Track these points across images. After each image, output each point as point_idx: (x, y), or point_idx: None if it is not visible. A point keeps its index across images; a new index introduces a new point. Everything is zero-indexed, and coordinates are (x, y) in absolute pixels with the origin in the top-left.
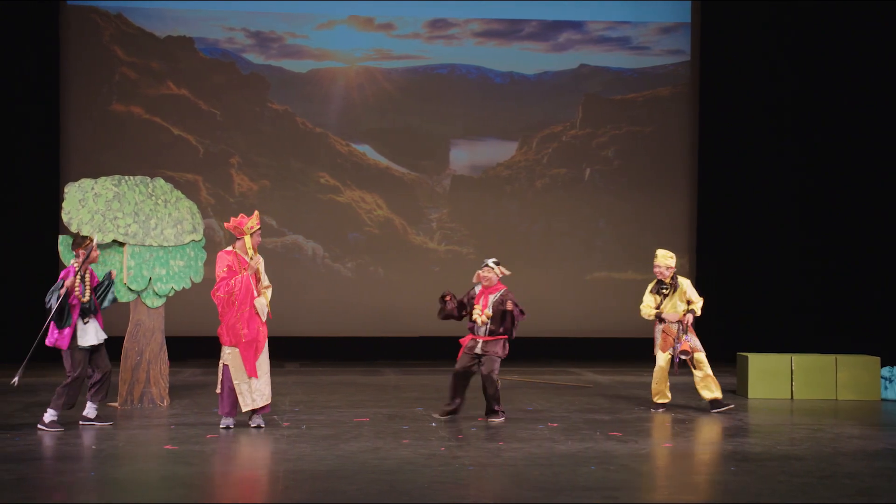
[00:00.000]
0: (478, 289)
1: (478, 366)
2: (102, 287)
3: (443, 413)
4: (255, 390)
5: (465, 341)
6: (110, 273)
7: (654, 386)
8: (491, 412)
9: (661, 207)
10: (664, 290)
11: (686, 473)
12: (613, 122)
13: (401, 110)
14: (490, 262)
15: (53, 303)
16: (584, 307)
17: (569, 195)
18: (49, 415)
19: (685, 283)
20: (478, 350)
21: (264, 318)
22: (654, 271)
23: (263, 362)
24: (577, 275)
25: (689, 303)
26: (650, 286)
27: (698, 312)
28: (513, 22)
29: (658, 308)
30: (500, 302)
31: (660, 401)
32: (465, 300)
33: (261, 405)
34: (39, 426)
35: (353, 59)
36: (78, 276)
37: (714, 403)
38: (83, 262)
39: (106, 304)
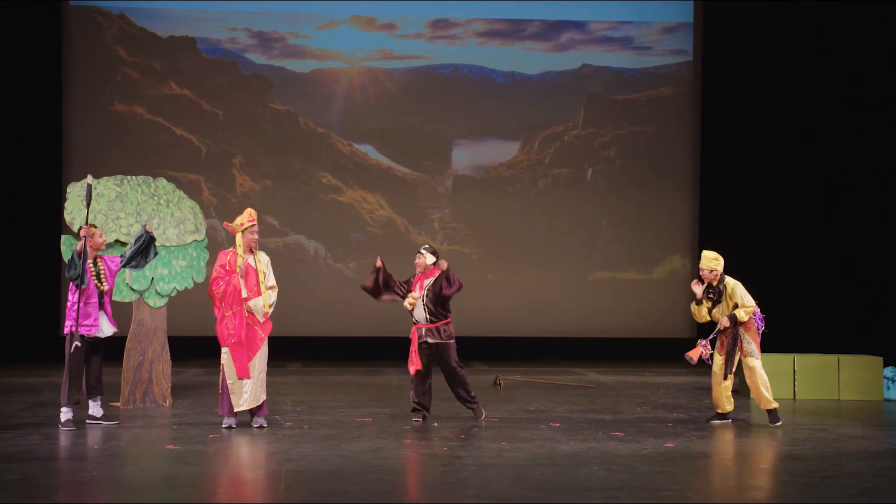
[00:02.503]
0: (417, 274)
1: (433, 359)
2: (140, 244)
3: (420, 415)
4: (246, 391)
5: (413, 334)
6: (145, 227)
7: (712, 394)
8: (470, 402)
9: (663, 207)
10: (710, 294)
11: (688, 474)
12: (615, 123)
13: (403, 110)
14: (423, 248)
15: (75, 260)
16: (586, 307)
17: (571, 195)
18: (63, 413)
19: (731, 287)
20: (426, 338)
21: (261, 319)
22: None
23: (258, 363)
24: (579, 275)
25: (736, 306)
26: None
27: (741, 317)
28: (515, 22)
29: (710, 314)
30: (436, 283)
31: (718, 410)
32: (400, 283)
33: (250, 407)
34: (60, 425)
35: (356, 59)
36: (90, 265)
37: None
38: (84, 247)
39: (150, 257)
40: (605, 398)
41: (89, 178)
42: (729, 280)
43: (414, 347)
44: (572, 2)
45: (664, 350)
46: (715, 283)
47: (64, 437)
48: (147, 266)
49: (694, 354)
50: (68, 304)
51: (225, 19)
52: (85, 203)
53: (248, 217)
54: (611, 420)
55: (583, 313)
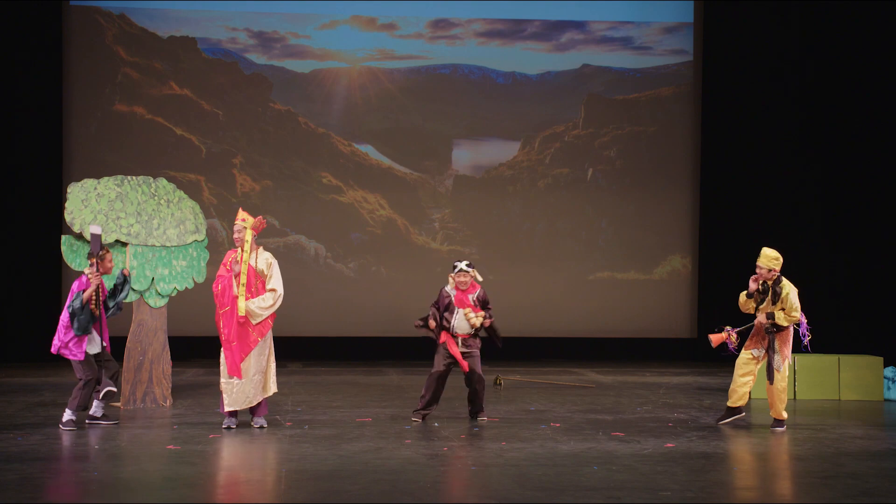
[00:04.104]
0: (452, 293)
1: (454, 365)
2: (120, 290)
3: (421, 415)
4: (238, 391)
5: (447, 339)
6: (123, 272)
7: (731, 386)
8: (479, 411)
9: (664, 207)
10: (764, 295)
11: (688, 474)
12: (616, 122)
13: (403, 110)
14: (463, 265)
15: (77, 307)
16: (587, 307)
17: (571, 195)
18: (66, 414)
19: (786, 291)
20: (462, 349)
21: (252, 321)
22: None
23: (253, 364)
24: (580, 275)
25: (782, 311)
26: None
27: (780, 321)
28: (515, 22)
29: (756, 310)
30: (482, 299)
31: (731, 403)
32: (440, 309)
33: (243, 406)
34: (60, 425)
35: (356, 59)
36: (93, 286)
37: (740, 409)
38: (96, 272)
39: (123, 302)
40: (606, 398)
41: (95, 229)
42: (786, 283)
43: (453, 348)
44: (572, 2)
45: (665, 350)
46: (770, 283)
47: (65, 438)
48: (147, 266)
49: (715, 339)
50: (61, 323)
51: (225, 19)
52: (92, 251)
53: (239, 217)
54: (611, 420)
55: (583, 313)
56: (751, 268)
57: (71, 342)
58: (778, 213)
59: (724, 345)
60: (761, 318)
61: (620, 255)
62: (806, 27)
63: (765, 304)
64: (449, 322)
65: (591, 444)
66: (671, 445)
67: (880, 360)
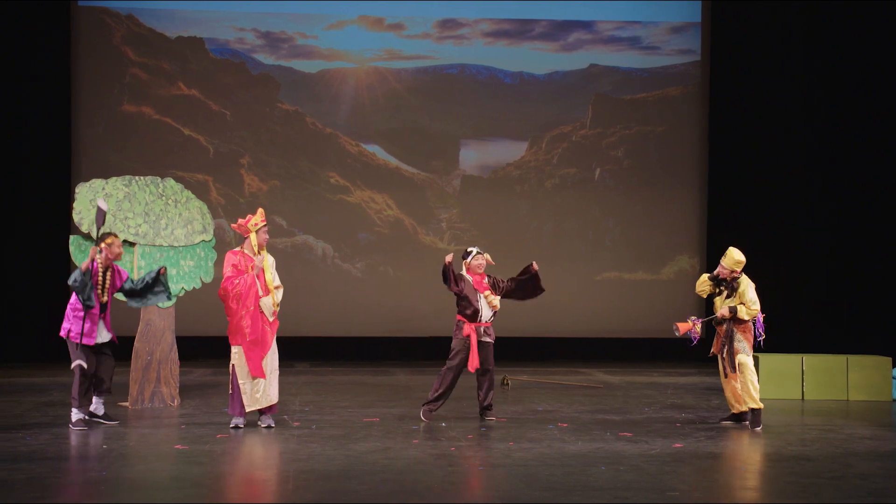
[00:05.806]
0: (469, 279)
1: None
2: (152, 285)
3: (430, 409)
4: (259, 390)
5: (471, 332)
6: (160, 271)
7: (725, 394)
8: (489, 408)
9: (671, 207)
10: (721, 287)
11: (696, 474)
12: (623, 122)
13: (411, 110)
14: (476, 250)
15: (78, 277)
16: (594, 307)
17: (578, 195)
18: (74, 414)
19: (744, 286)
20: (485, 338)
21: (270, 318)
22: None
23: (270, 362)
24: (587, 275)
25: (742, 305)
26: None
27: (742, 315)
28: (523, 22)
29: (712, 303)
30: (495, 284)
31: (734, 411)
32: (461, 282)
33: (264, 406)
34: (70, 425)
35: (363, 59)
36: (100, 267)
37: (745, 415)
38: (103, 258)
39: (152, 301)
40: (613, 398)
41: (102, 203)
42: (744, 278)
43: (474, 344)
44: (580, 2)
45: (672, 350)
46: (729, 280)
47: (72, 437)
48: (154, 266)
49: (682, 326)
50: (69, 306)
51: (233, 20)
52: (96, 226)
53: (261, 217)
54: (619, 420)
55: (591, 313)
56: (756, 268)
57: (78, 327)
58: (786, 213)
59: (689, 334)
60: (724, 311)
61: (628, 256)
62: (813, 27)
63: (721, 298)
64: (475, 308)
65: (599, 444)
66: (679, 446)
67: (889, 360)
